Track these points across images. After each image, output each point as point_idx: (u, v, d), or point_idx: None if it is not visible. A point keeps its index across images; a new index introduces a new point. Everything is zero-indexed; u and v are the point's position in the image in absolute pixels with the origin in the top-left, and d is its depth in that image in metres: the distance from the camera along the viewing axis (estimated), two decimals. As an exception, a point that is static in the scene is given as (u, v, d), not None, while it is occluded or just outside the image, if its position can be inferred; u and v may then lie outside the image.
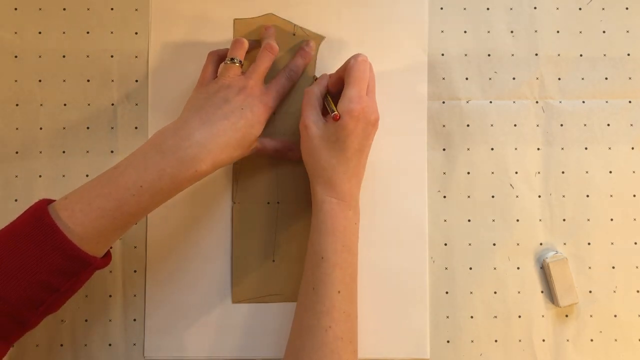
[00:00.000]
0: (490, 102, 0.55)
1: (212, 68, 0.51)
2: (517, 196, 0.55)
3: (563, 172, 0.55)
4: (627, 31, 0.56)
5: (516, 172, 0.55)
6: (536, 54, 0.56)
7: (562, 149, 0.55)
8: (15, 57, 0.54)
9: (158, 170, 0.42)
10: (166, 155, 0.43)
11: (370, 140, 0.49)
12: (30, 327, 0.43)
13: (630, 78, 0.56)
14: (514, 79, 0.55)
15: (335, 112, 0.46)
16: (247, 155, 0.49)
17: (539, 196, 0.55)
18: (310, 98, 0.49)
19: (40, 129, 0.54)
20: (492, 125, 0.55)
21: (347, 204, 0.48)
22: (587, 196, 0.55)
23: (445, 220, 0.55)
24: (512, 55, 0.55)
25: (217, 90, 0.47)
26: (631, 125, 0.55)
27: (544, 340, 0.54)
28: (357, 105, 0.46)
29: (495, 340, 0.54)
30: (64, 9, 0.55)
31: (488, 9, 0.56)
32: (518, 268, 0.54)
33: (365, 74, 0.47)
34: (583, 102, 0.56)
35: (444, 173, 0.55)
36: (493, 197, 0.55)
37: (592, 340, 0.54)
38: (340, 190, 0.47)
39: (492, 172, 0.55)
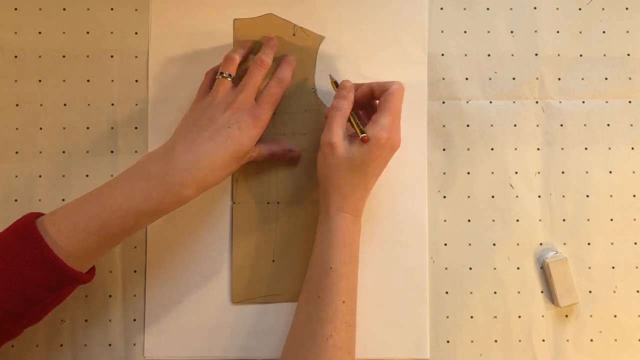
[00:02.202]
0: (490, 102, 0.55)
1: (207, 84, 0.50)
2: (517, 196, 0.55)
3: (563, 172, 0.55)
4: (627, 31, 0.56)
5: (516, 172, 0.55)
6: (536, 54, 0.56)
7: (562, 149, 0.55)
8: (15, 57, 0.54)
9: (144, 194, 0.43)
10: (152, 180, 0.43)
11: (387, 162, 0.49)
12: (9, 338, 0.43)
13: (630, 78, 0.56)
14: (514, 79, 0.55)
15: (365, 135, 0.46)
16: (242, 164, 0.49)
17: (539, 196, 0.55)
18: (340, 115, 0.48)
19: (40, 129, 0.54)
20: (492, 125, 0.55)
21: (357, 218, 0.49)
22: (587, 196, 0.55)
23: (445, 220, 0.55)
24: (512, 55, 0.55)
25: (206, 109, 0.47)
26: (631, 125, 0.55)
27: (543, 341, 0.54)
28: (387, 134, 0.46)
29: (495, 340, 0.54)
30: (64, 9, 0.55)
31: (488, 9, 0.56)
32: (518, 268, 0.54)
33: (400, 102, 0.48)
34: (583, 102, 0.56)
35: (444, 173, 0.55)
36: (493, 197, 0.55)
37: (592, 340, 0.54)
38: (354, 206, 0.48)
39: (492, 172, 0.55)
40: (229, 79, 0.49)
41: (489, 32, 0.56)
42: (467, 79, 0.55)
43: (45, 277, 0.40)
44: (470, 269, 0.54)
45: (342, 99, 0.49)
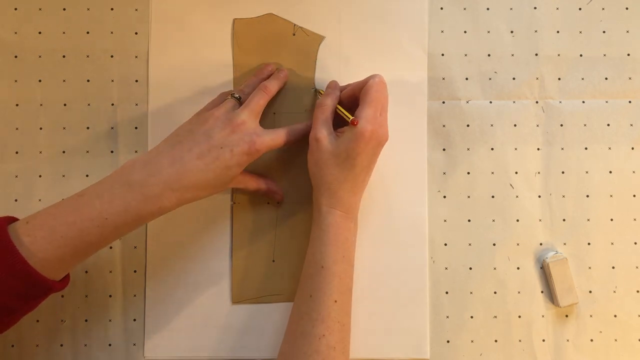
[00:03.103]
0: (490, 102, 0.55)
1: (217, 102, 0.50)
2: (517, 196, 0.55)
3: (563, 172, 0.55)
4: (627, 31, 0.56)
5: (516, 172, 0.55)
6: (536, 54, 0.56)
7: (562, 149, 0.55)
8: (15, 57, 0.54)
9: (124, 203, 0.42)
10: (132, 188, 0.42)
11: (377, 157, 0.49)
12: None
13: (630, 78, 0.56)
14: (514, 79, 0.55)
15: (353, 118, 0.46)
16: (227, 188, 0.48)
17: (539, 196, 0.55)
18: (323, 111, 0.49)
19: (40, 129, 0.54)
20: (492, 125, 0.55)
21: (350, 216, 0.49)
22: (587, 196, 0.55)
23: (445, 220, 0.55)
24: (512, 55, 0.55)
25: (204, 121, 0.46)
26: (631, 125, 0.55)
27: (544, 340, 0.54)
28: (371, 126, 0.46)
29: (495, 340, 0.54)
30: (64, 9, 0.55)
31: (488, 9, 0.56)
32: (518, 268, 0.54)
33: (381, 94, 0.47)
34: (583, 102, 0.56)
35: (444, 173, 0.55)
36: (493, 197, 0.55)
37: (592, 340, 0.54)
38: (346, 203, 0.48)
39: (492, 172, 0.55)
40: (235, 100, 0.49)
41: (489, 32, 0.56)
42: (467, 79, 0.55)
43: (20, 287, 0.40)
44: (470, 269, 0.54)
45: (325, 96, 0.50)
